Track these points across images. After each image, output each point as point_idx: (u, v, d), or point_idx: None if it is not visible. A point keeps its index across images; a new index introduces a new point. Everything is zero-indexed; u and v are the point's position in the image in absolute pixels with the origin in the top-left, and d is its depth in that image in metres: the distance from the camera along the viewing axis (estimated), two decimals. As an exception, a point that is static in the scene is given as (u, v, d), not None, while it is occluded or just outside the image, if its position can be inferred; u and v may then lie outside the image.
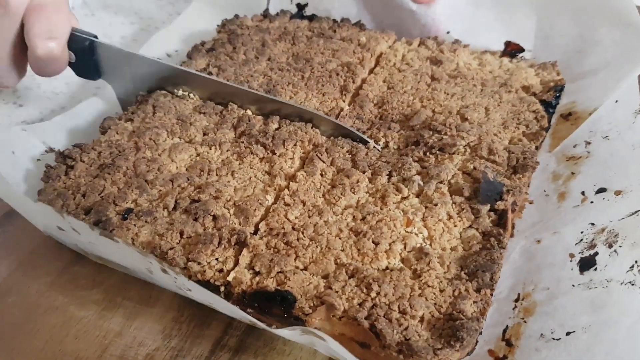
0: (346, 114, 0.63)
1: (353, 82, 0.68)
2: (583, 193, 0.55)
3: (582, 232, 0.50)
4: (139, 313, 0.51)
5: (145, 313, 0.51)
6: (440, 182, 0.53)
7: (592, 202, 0.53)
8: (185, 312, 0.51)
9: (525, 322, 0.46)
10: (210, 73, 0.71)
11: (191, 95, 0.68)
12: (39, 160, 0.62)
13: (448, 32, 0.77)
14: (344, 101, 0.66)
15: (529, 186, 0.55)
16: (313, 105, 0.65)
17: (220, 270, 0.47)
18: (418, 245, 0.47)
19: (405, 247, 0.47)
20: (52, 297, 0.52)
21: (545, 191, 0.58)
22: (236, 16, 0.82)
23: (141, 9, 1.01)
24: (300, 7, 0.84)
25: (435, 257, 0.46)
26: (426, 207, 0.50)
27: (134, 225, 0.50)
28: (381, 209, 0.51)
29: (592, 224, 0.50)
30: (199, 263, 0.47)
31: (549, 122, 0.62)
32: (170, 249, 0.48)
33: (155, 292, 0.52)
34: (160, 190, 0.54)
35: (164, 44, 0.82)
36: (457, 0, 0.77)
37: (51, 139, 0.64)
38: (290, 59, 0.73)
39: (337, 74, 0.69)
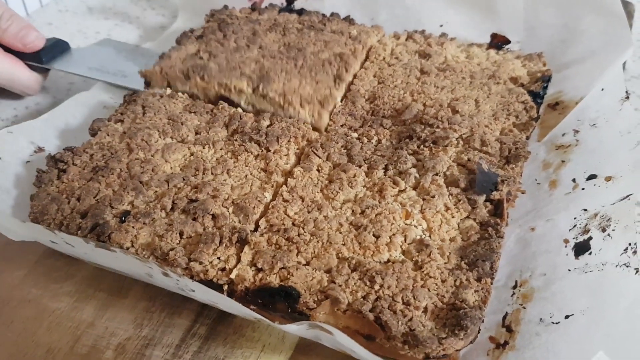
0: (339, 111, 0.63)
1: (346, 71, 0.68)
2: (574, 180, 0.56)
3: (575, 218, 0.51)
4: (111, 304, 0.51)
5: (117, 304, 0.51)
6: (436, 174, 0.53)
7: (583, 189, 0.54)
8: (157, 302, 0.51)
9: (524, 308, 0.47)
10: (201, 58, 0.71)
11: (179, 94, 0.68)
12: (28, 162, 0.61)
13: (441, 26, 0.78)
14: (337, 89, 0.66)
15: (521, 176, 0.56)
16: (307, 92, 0.65)
17: (223, 269, 0.47)
18: (418, 237, 0.48)
19: (405, 240, 0.48)
20: (25, 290, 0.52)
21: (536, 180, 0.59)
22: (225, 7, 0.81)
23: (115, 5, 1.01)
24: (290, 1, 0.84)
25: (436, 248, 0.47)
26: (424, 199, 0.51)
27: (133, 227, 0.50)
28: (379, 202, 0.51)
29: (585, 210, 0.51)
30: (201, 263, 0.47)
31: (538, 112, 0.63)
32: (171, 249, 0.48)
33: (127, 283, 0.53)
34: (156, 192, 0.54)
35: None
36: None
37: (39, 137, 0.64)
38: (282, 48, 0.73)
39: (330, 63, 0.69)
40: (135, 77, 0.72)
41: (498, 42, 0.74)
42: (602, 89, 0.64)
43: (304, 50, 0.72)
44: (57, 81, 0.81)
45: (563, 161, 0.59)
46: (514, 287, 0.49)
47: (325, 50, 0.72)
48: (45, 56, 0.73)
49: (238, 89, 0.66)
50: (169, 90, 0.69)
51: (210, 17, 0.80)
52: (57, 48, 0.75)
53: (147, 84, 0.70)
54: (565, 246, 0.49)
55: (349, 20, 0.80)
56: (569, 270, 0.47)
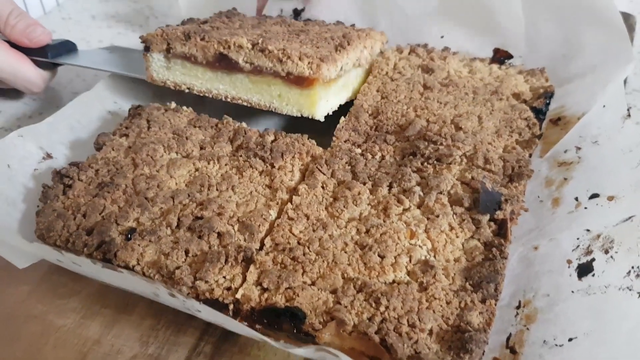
0: (342, 126, 0.64)
1: (349, 44, 0.69)
2: (577, 199, 0.56)
3: (578, 239, 0.52)
4: (117, 321, 0.52)
5: (123, 321, 0.52)
6: (440, 193, 0.54)
7: (586, 208, 0.55)
8: (162, 319, 0.52)
9: (527, 329, 0.47)
10: (204, 30, 0.70)
11: (184, 107, 0.68)
12: (36, 169, 0.62)
13: (442, 37, 0.78)
14: (338, 53, 0.66)
15: (524, 194, 0.57)
16: (307, 50, 0.65)
17: (229, 288, 0.47)
18: (423, 257, 0.48)
19: (410, 260, 0.48)
20: (31, 306, 0.53)
21: (539, 197, 0.59)
22: (234, 9, 0.82)
23: (119, 13, 1.01)
24: (297, 13, 0.84)
25: (440, 269, 0.47)
26: (428, 219, 0.51)
27: (139, 245, 0.50)
28: (384, 221, 0.52)
29: (588, 230, 0.52)
30: (206, 282, 0.47)
31: (540, 128, 0.63)
32: (177, 268, 0.48)
33: (133, 300, 0.53)
34: (161, 208, 0.54)
35: None
36: (448, 6, 0.79)
37: (46, 142, 0.64)
38: (286, 32, 0.73)
39: (333, 39, 0.70)
40: (139, 69, 0.73)
41: (500, 56, 0.74)
42: (604, 106, 0.64)
43: (307, 31, 0.72)
44: (61, 91, 0.81)
45: (565, 179, 0.59)
46: (518, 307, 0.49)
47: (329, 32, 0.73)
48: (51, 51, 0.75)
49: (237, 44, 0.65)
50: (173, 104, 0.69)
51: (218, 15, 0.81)
52: (64, 46, 0.77)
53: (147, 49, 0.70)
54: (569, 267, 0.50)
55: (352, 26, 0.80)
56: (572, 291, 0.47)
